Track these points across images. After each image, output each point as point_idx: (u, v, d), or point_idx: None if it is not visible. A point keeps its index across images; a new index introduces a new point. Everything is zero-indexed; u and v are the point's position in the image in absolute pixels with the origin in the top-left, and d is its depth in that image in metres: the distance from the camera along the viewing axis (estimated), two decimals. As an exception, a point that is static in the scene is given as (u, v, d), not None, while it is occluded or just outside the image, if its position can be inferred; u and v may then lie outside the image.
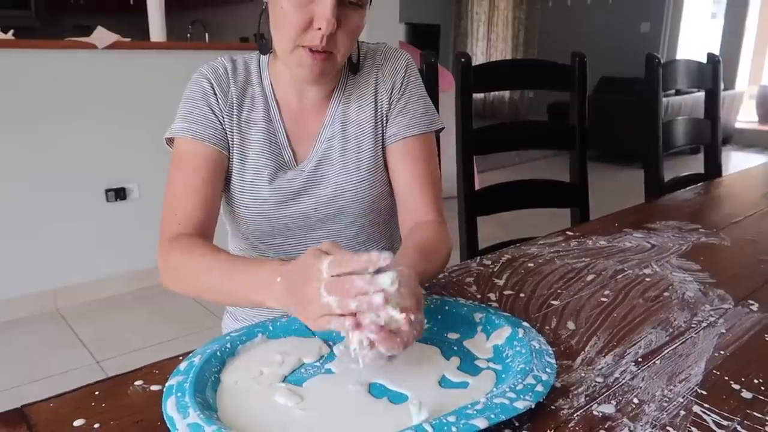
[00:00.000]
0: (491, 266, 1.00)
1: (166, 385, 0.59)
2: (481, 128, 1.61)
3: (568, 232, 1.19)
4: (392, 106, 0.95)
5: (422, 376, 0.64)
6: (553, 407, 0.59)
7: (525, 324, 0.73)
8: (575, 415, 0.58)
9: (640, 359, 0.69)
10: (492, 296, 0.88)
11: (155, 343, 2.35)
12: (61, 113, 2.51)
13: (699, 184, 1.69)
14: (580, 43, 7.12)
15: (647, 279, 0.94)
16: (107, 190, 2.69)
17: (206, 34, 4.46)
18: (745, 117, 7.42)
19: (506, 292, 0.89)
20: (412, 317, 0.58)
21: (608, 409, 0.59)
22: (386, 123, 0.95)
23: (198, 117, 0.90)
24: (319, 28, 0.79)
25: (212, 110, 0.90)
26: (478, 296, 0.88)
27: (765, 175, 1.78)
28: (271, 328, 0.70)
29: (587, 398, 0.61)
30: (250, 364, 0.65)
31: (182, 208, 0.86)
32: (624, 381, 0.65)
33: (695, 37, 7.28)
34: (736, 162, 6.09)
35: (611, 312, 0.82)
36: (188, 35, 4.45)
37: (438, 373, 0.64)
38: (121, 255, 2.78)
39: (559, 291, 0.90)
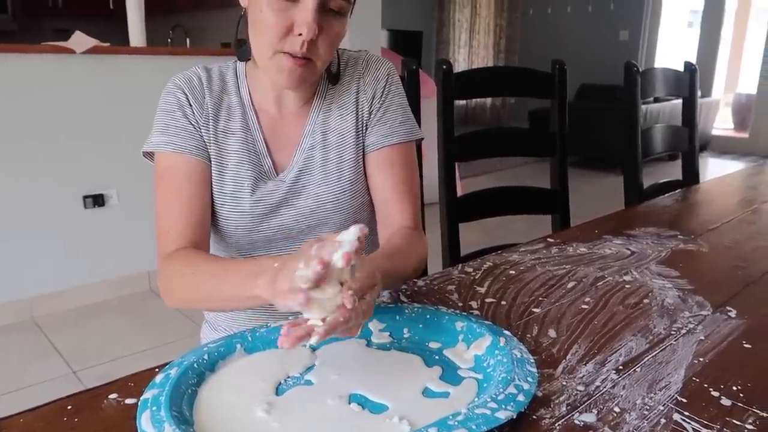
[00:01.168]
0: (473, 274, 0.99)
1: (141, 398, 0.58)
2: (463, 135, 1.61)
3: (549, 239, 1.19)
4: (372, 115, 0.94)
5: (404, 386, 0.63)
6: (534, 417, 0.59)
7: (506, 332, 0.73)
8: (557, 424, 0.58)
9: (620, 367, 0.70)
10: (474, 304, 0.87)
11: (134, 353, 2.31)
12: (38, 119, 2.46)
13: (677, 191, 1.71)
14: (561, 50, 7.20)
15: (627, 286, 0.95)
16: (85, 197, 2.65)
17: (187, 40, 4.43)
18: (721, 124, 7.55)
19: (488, 300, 0.89)
20: (352, 295, 0.57)
21: (589, 418, 0.59)
22: (366, 131, 0.94)
23: (177, 129, 0.88)
24: (300, 34, 0.78)
25: (189, 121, 0.89)
26: (460, 304, 0.87)
27: (741, 182, 1.81)
28: (250, 339, 0.69)
29: (569, 407, 0.61)
30: (231, 384, 0.63)
31: (174, 226, 0.86)
32: (605, 389, 0.65)
33: (673, 46, 7.40)
34: (713, 168, 6.19)
35: (592, 319, 0.83)
36: (169, 40, 4.41)
37: (420, 382, 0.63)
38: (99, 262, 2.73)
39: (540, 298, 0.90)
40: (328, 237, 0.62)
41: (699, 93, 2.01)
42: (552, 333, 0.78)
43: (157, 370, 0.66)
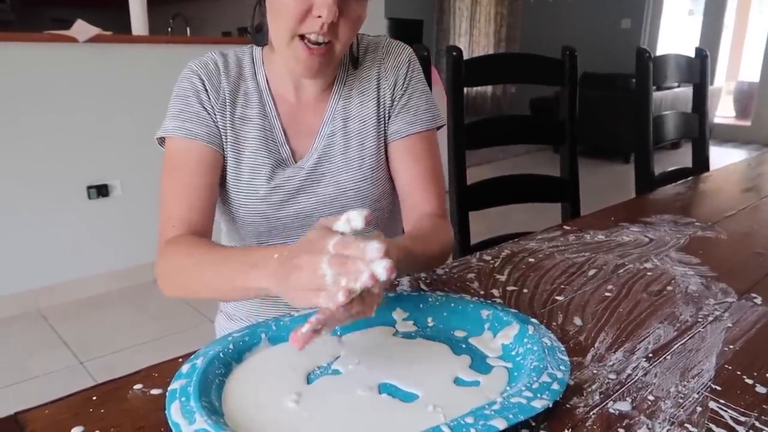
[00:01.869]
0: (492, 262, 0.98)
1: (169, 389, 0.57)
2: (473, 123, 1.60)
3: (565, 227, 1.18)
4: (395, 102, 0.93)
5: (434, 374, 0.62)
6: (568, 405, 0.58)
7: (533, 320, 0.72)
8: (591, 413, 0.57)
9: (650, 355, 0.69)
10: (495, 292, 0.86)
11: (140, 343, 2.30)
12: (41, 108, 2.44)
13: (689, 179, 1.69)
14: (563, 39, 7.14)
15: (649, 273, 0.94)
16: (89, 187, 2.63)
17: (187, 29, 4.39)
18: (723, 112, 7.53)
19: (509, 288, 0.88)
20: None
21: (624, 406, 0.58)
22: (389, 119, 0.93)
23: (190, 115, 0.87)
24: (319, 16, 0.77)
25: (204, 107, 0.87)
26: (481, 292, 0.86)
27: (750, 170, 1.79)
28: (274, 327, 0.68)
29: (602, 396, 0.60)
30: (258, 374, 0.62)
31: (177, 211, 0.84)
32: (637, 377, 0.64)
33: (675, 34, 7.36)
34: (715, 156, 6.14)
35: (617, 307, 0.81)
36: (169, 29, 4.37)
37: (450, 371, 0.62)
38: (103, 253, 2.72)
39: (562, 286, 0.89)
40: (326, 222, 0.60)
41: (710, 79, 1.99)
42: (578, 321, 0.77)
43: (180, 360, 0.65)
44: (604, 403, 0.59)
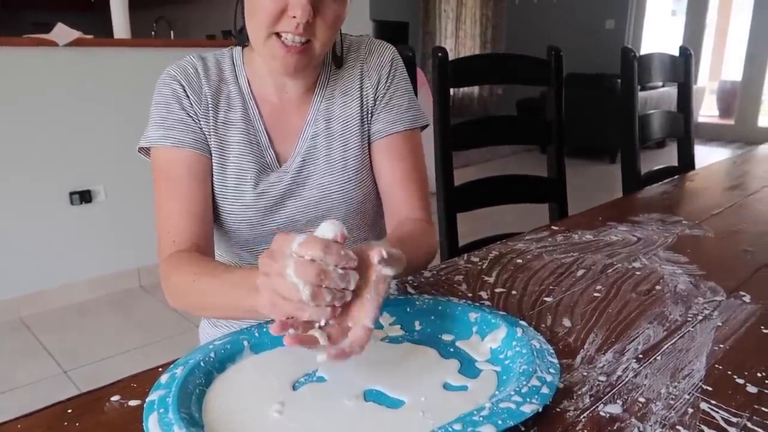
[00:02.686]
0: (479, 263, 0.97)
1: (147, 400, 0.55)
2: (460, 124, 1.59)
3: (553, 227, 1.17)
4: (378, 101, 0.91)
5: (422, 380, 0.60)
6: (558, 409, 0.57)
7: (522, 322, 0.71)
8: (582, 417, 0.56)
9: (640, 355, 0.68)
10: (483, 294, 0.85)
11: (125, 351, 2.27)
12: (21, 113, 2.40)
13: (675, 177, 1.70)
14: (548, 40, 7.17)
15: (637, 273, 0.93)
16: (71, 193, 2.59)
17: (171, 32, 4.35)
18: (706, 111, 7.60)
19: (497, 290, 0.86)
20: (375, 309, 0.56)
21: (615, 409, 0.57)
22: (371, 119, 0.91)
23: (174, 122, 0.85)
24: (294, 16, 0.75)
25: (188, 113, 0.85)
26: (469, 295, 0.85)
27: (735, 168, 1.80)
28: (256, 334, 0.66)
29: (592, 398, 0.59)
30: (241, 383, 0.60)
31: (174, 225, 0.82)
32: (627, 379, 0.63)
33: (658, 34, 7.42)
34: (700, 155, 6.19)
35: (606, 307, 0.81)
36: (152, 33, 4.33)
37: (439, 376, 0.61)
38: (87, 260, 2.68)
39: (551, 287, 0.88)
40: (294, 234, 0.57)
41: (694, 78, 2.00)
42: (566, 322, 0.76)
43: (160, 369, 0.63)
44: (594, 406, 0.58)
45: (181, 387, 0.55)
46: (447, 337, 0.71)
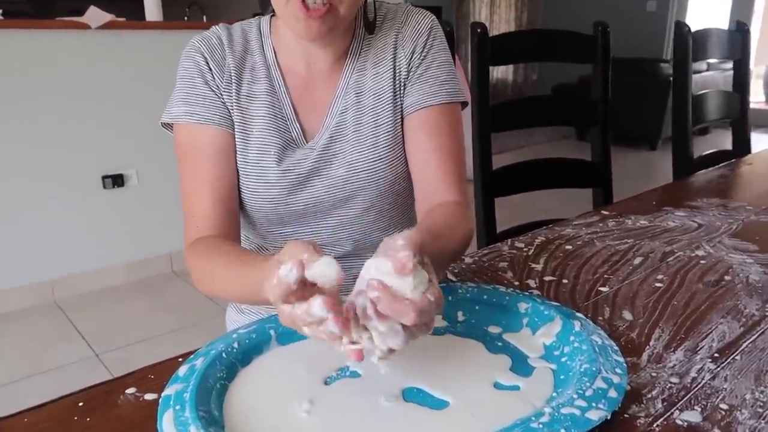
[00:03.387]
0: (525, 249, 0.89)
1: (162, 395, 0.49)
2: (499, 104, 1.51)
3: (603, 212, 1.08)
4: (411, 72, 0.84)
5: (468, 378, 0.54)
6: (626, 415, 0.50)
7: (579, 315, 0.63)
8: (655, 425, 0.49)
9: (716, 354, 0.60)
10: (531, 283, 0.78)
11: (156, 335, 2.26)
12: (54, 97, 2.40)
13: (731, 161, 1.58)
14: (586, 24, 6.96)
15: (702, 261, 0.84)
16: (104, 177, 2.59)
17: (204, 17, 4.33)
18: (753, 97, 7.28)
19: (547, 278, 0.79)
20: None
21: (693, 417, 0.50)
22: (404, 91, 0.84)
23: (198, 98, 0.80)
24: None
25: (210, 87, 0.80)
26: (516, 283, 0.78)
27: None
28: (284, 323, 0.60)
29: (665, 403, 0.51)
30: (266, 378, 0.55)
31: (198, 208, 0.78)
32: (704, 381, 0.55)
33: (702, 16, 7.12)
34: (747, 142, 5.95)
35: (670, 299, 0.72)
36: (185, 18, 4.32)
37: (488, 374, 0.54)
38: (120, 244, 2.68)
39: (606, 276, 0.80)
40: (294, 250, 0.48)
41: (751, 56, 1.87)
42: (627, 315, 0.68)
43: (180, 360, 0.58)
44: (669, 413, 0.50)
45: (200, 381, 0.49)
46: (494, 330, 0.64)
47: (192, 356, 0.55)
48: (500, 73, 8.46)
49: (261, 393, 0.51)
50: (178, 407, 0.46)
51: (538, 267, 0.83)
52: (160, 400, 0.49)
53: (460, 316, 0.66)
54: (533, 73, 8.59)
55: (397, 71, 0.84)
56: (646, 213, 1.07)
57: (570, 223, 1.03)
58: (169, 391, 0.49)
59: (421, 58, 0.84)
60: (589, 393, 0.48)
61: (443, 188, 0.81)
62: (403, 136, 0.84)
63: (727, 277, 0.79)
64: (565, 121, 1.70)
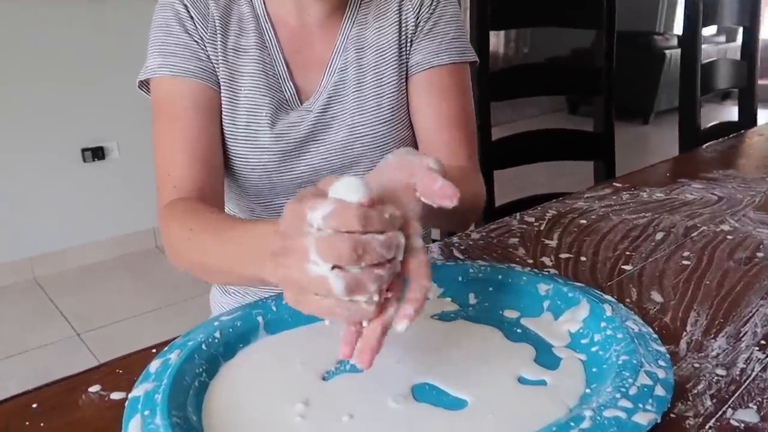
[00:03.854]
0: (536, 224, 0.82)
1: (129, 396, 0.42)
2: (500, 71, 1.43)
3: (615, 184, 1.01)
4: (419, 28, 0.75)
5: (489, 372, 0.46)
6: (672, 415, 0.43)
7: (608, 297, 0.56)
8: (708, 426, 0.42)
9: (762, 341, 0.53)
10: (546, 261, 0.70)
11: (141, 313, 2.18)
12: (29, 67, 2.27)
13: (740, 132, 1.51)
14: (579, -6, 6.81)
15: (729, 237, 0.77)
16: (84, 150, 2.48)
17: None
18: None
19: (563, 255, 0.72)
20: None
21: (749, 416, 0.43)
22: (410, 48, 0.76)
23: (176, 48, 0.70)
24: None
25: (192, 37, 0.71)
26: (530, 261, 0.70)
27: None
28: (274, 308, 0.53)
29: (715, 401, 0.45)
30: (252, 374, 0.47)
31: (175, 167, 0.69)
32: (754, 374, 0.48)
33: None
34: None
35: (701, 278, 0.66)
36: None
37: (510, 366, 0.47)
38: (101, 220, 2.58)
39: (627, 253, 0.73)
40: (312, 192, 0.41)
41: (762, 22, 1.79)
42: (656, 296, 0.61)
43: (154, 351, 0.50)
44: (720, 412, 0.43)
45: (174, 379, 0.42)
46: (510, 314, 0.56)
47: (166, 348, 0.47)
48: (491, 45, 8.33)
49: (247, 392, 0.44)
50: (147, 412, 0.39)
51: (552, 243, 0.76)
52: (126, 403, 0.41)
53: (472, 299, 0.59)
54: (525, 45, 8.45)
55: (404, 25, 0.75)
56: (661, 185, 1.00)
57: (581, 195, 0.95)
58: (138, 391, 0.41)
59: (431, 10, 0.75)
60: (633, 391, 0.41)
61: (452, 152, 0.74)
62: (408, 98, 0.76)
63: (759, 254, 0.72)
64: (567, 90, 1.63)
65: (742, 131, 1.52)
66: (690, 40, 1.56)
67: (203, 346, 0.46)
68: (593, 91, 1.56)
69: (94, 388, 0.46)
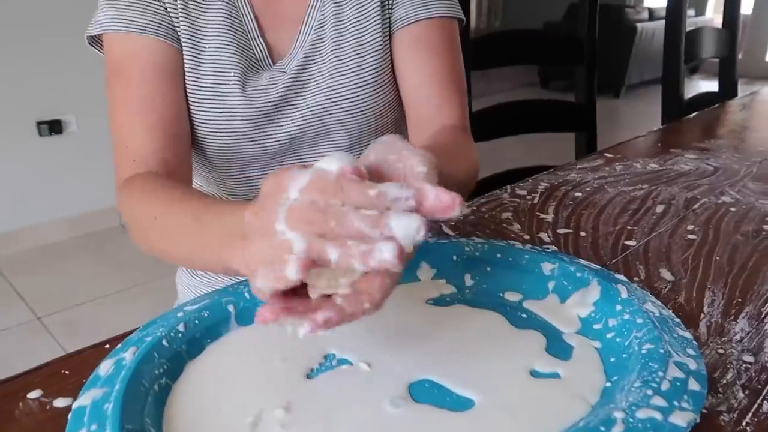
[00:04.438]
0: (529, 197, 0.77)
1: (74, 406, 0.35)
2: (481, 38, 1.37)
3: (606, 155, 0.96)
4: None
5: (498, 365, 0.41)
6: (704, 410, 0.38)
7: (620, 277, 0.51)
8: (744, 422, 0.37)
9: (786, 323, 0.48)
10: (544, 237, 0.65)
11: (103, 295, 2.08)
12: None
13: (724, 103, 1.48)
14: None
15: (732, 209, 0.73)
16: (39, 123, 2.33)
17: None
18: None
19: (561, 231, 0.67)
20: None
21: (788, 410, 0.38)
22: (393, 1, 0.68)
23: (130, 1, 0.62)
24: None
25: None
26: (526, 237, 0.65)
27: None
28: (247, 295, 0.46)
29: (748, 392, 0.40)
30: (222, 373, 0.40)
31: (134, 137, 0.60)
32: (785, 359, 0.43)
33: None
34: (711, 90, 5.96)
35: (710, 254, 0.61)
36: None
37: (520, 358, 0.41)
38: (60, 197, 2.45)
39: (628, 227, 0.68)
40: (297, 166, 0.36)
41: None
42: (666, 274, 0.57)
43: (107, 346, 0.43)
44: (756, 406, 0.39)
45: (129, 384, 0.35)
46: (512, 297, 0.51)
47: (119, 346, 0.40)
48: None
49: (217, 397, 0.37)
50: (94, 426, 0.32)
51: (548, 218, 0.70)
52: (70, 415, 0.34)
53: (469, 280, 0.53)
54: (496, 19, 8.37)
55: None
56: (654, 156, 0.96)
57: (573, 167, 0.90)
58: (84, 400, 0.34)
59: None
60: (665, 386, 0.36)
61: (442, 114, 0.67)
62: (392, 57, 0.69)
63: (765, 227, 0.68)
64: (549, 60, 1.58)
65: (728, 101, 1.49)
66: (675, 8, 1.52)
67: (164, 342, 0.39)
68: (575, 60, 1.51)
69: (34, 394, 0.39)
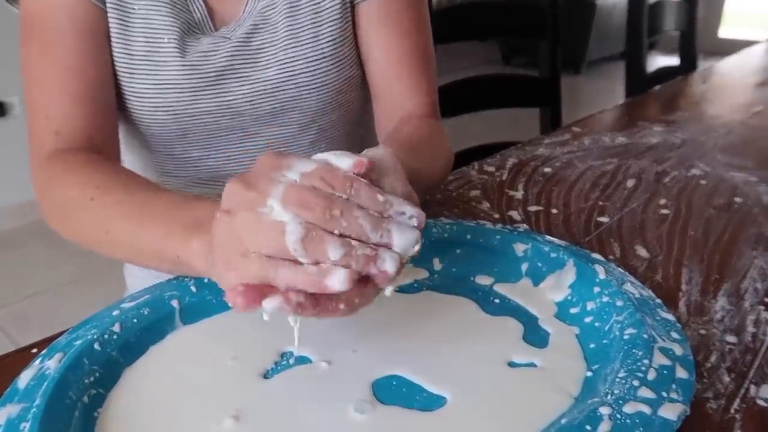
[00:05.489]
0: (497, 174, 0.74)
1: (-14, 427, 0.30)
2: (445, 9, 1.33)
3: (574, 128, 0.94)
4: None
5: (472, 357, 0.37)
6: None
7: (597, 256, 0.48)
8: (732, 408, 0.35)
9: (766, 299, 0.47)
10: (515, 215, 0.62)
11: (57, 285, 2.00)
12: None
13: (686, 76, 1.48)
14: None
15: (702, 182, 0.71)
16: (-22, 105, 2.21)
17: None
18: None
19: (532, 209, 0.64)
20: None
21: (776, 393, 0.36)
22: None
23: None
24: None
25: None
26: (496, 216, 0.62)
27: (757, 62, 1.59)
28: (193, 289, 0.41)
29: (734, 375, 0.38)
30: (165, 379, 0.36)
31: (54, 106, 0.54)
32: (767, 338, 0.42)
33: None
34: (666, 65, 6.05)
35: (684, 229, 0.59)
36: None
37: (496, 348, 0.38)
38: (6, 183, 2.33)
39: (600, 203, 0.65)
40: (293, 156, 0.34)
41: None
42: (641, 251, 0.54)
43: (34, 350, 0.38)
44: (743, 390, 0.36)
45: (51, 397, 0.30)
46: (483, 281, 0.48)
47: (45, 351, 0.35)
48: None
49: (158, 407, 0.33)
50: (9, 451, 0.27)
51: (518, 195, 0.67)
52: (-19, 437, 0.30)
53: (437, 264, 0.49)
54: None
55: None
56: (621, 129, 0.94)
57: (541, 142, 0.87)
58: (-2, 419, 0.30)
59: None
60: (651, 376, 0.33)
61: (412, 101, 0.63)
62: (356, 31, 0.64)
63: (737, 199, 0.66)
64: (512, 32, 1.56)
65: (691, 74, 1.49)
66: (637, -21, 1.50)
67: (96, 346, 0.35)
68: (538, 34, 1.49)
69: (-56, 411, 0.34)
